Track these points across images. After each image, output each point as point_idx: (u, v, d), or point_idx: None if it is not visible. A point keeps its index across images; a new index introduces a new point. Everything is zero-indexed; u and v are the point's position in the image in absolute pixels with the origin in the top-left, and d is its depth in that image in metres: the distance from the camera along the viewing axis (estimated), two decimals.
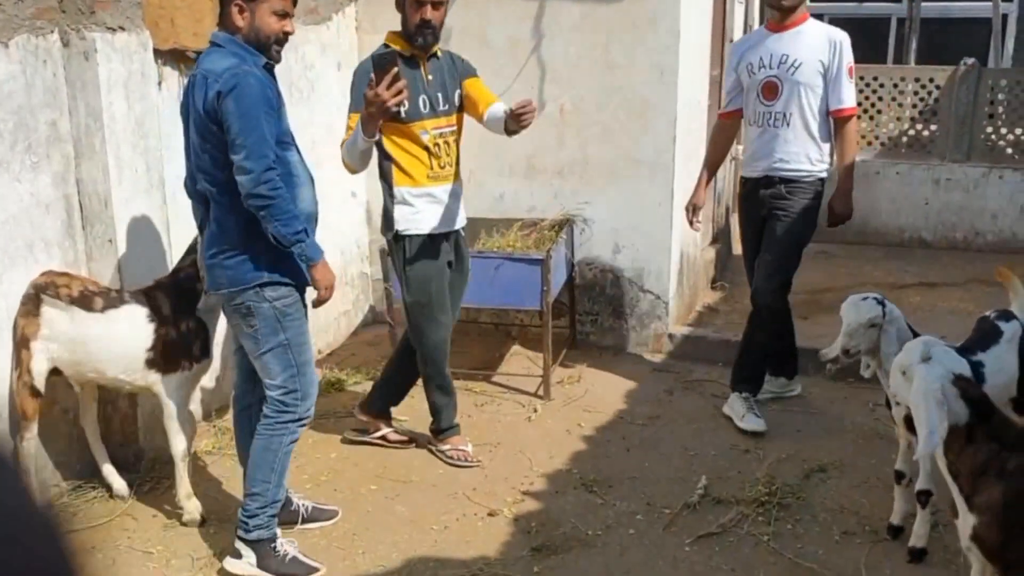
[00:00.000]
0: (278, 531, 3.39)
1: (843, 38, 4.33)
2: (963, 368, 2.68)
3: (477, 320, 5.74)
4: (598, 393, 4.95)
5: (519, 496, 3.88)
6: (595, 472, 4.05)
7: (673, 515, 3.73)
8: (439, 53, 3.93)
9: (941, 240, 7.41)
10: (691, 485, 3.93)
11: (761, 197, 4.43)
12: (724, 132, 4.70)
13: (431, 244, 3.95)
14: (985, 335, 3.47)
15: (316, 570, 3.34)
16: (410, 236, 3.93)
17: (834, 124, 4.38)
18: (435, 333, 4.06)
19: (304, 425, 3.35)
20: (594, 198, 5.30)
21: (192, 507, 3.65)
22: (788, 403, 4.80)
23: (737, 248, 7.38)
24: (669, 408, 4.65)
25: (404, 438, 4.35)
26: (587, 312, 5.56)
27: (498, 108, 3.85)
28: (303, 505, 3.67)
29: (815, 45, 4.28)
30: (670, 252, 5.33)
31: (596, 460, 4.20)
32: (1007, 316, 3.50)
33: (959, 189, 7.29)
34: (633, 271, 5.40)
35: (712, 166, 4.71)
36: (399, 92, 3.38)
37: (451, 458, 4.18)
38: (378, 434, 4.33)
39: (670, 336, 5.44)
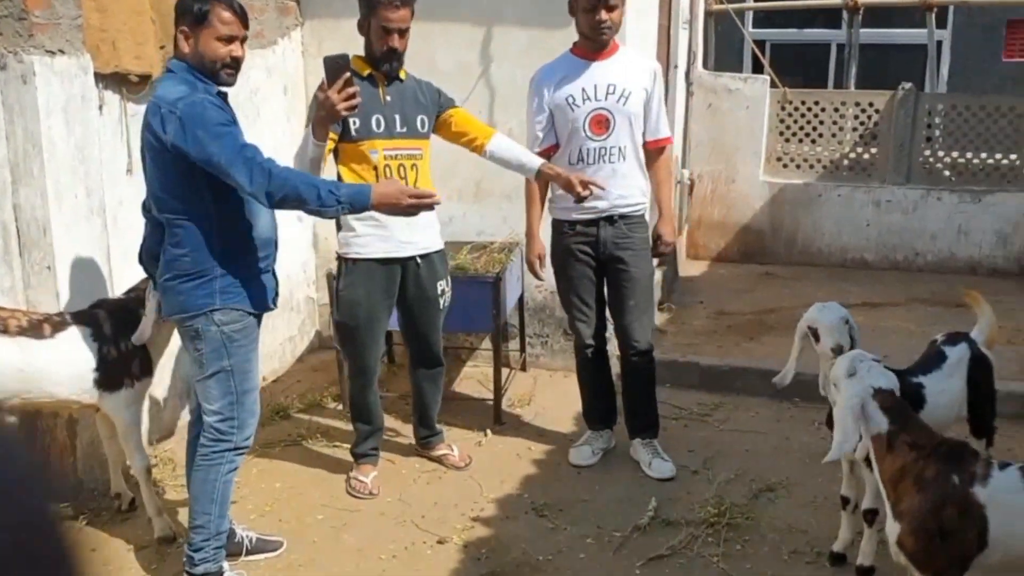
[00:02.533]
0: (225, 564, 3.32)
1: (658, 67, 4.21)
2: (888, 382, 2.76)
3: None
4: (549, 416, 4.94)
5: (469, 522, 3.85)
6: (546, 496, 4.04)
7: (624, 538, 3.72)
8: (404, 77, 3.93)
9: (882, 261, 7.56)
10: (641, 507, 3.93)
11: (602, 239, 4.12)
12: None
13: (371, 270, 3.91)
14: (929, 358, 3.54)
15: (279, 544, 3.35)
16: (348, 259, 3.90)
17: (649, 154, 4.18)
18: (359, 360, 4.05)
19: (242, 454, 3.29)
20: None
21: (162, 524, 3.63)
22: (736, 423, 4.84)
23: (685, 269, 7.47)
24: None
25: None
26: (538, 334, 5.56)
27: (506, 144, 3.92)
28: (247, 536, 3.59)
29: (638, 74, 4.06)
30: None
31: (547, 484, 4.19)
32: (954, 340, 3.56)
33: (899, 211, 7.45)
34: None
35: (539, 211, 4.27)
36: (351, 97, 3.34)
37: (350, 486, 4.14)
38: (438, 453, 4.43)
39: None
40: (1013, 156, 7.30)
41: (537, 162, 3.90)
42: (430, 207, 3.15)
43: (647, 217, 4.29)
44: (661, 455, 4.34)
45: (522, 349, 5.52)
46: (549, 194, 4.25)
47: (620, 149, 4.04)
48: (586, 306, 4.29)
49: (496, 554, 3.62)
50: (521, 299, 5.40)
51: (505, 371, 5.28)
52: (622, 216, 4.13)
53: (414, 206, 3.05)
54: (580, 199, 3.80)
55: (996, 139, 7.31)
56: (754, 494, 4.07)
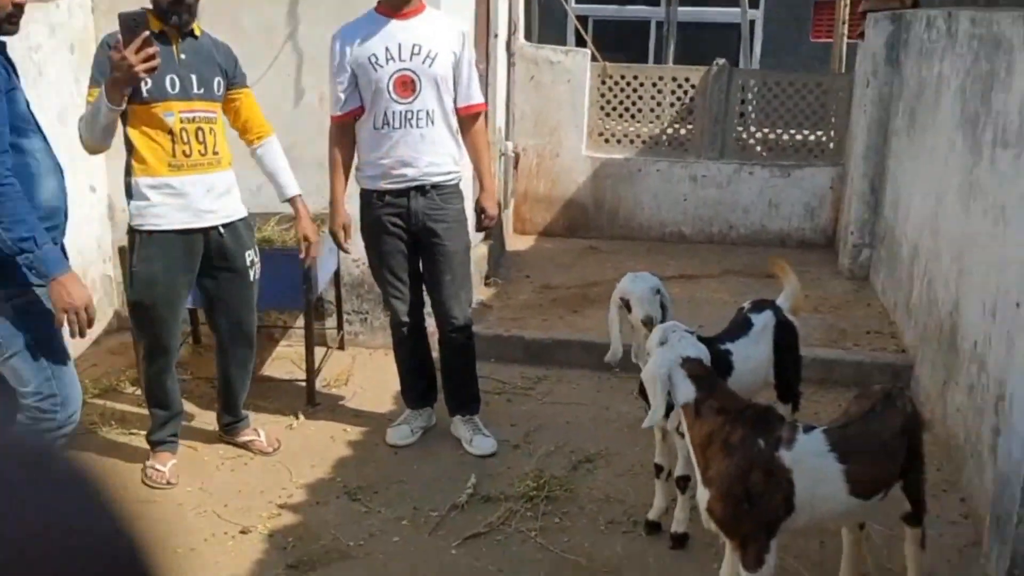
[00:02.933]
0: None
1: (467, 30, 4.04)
2: (697, 352, 2.76)
3: None
4: (368, 396, 4.74)
5: (275, 510, 3.61)
6: (360, 479, 3.84)
7: (440, 518, 3.59)
8: (198, 33, 3.61)
9: (699, 234, 7.72)
10: (460, 485, 3.81)
11: (413, 210, 3.93)
12: (347, 135, 3.97)
13: (169, 242, 3.60)
14: (736, 326, 3.59)
15: None
16: (142, 232, 3.57)
17: (463, 122, 3.99)
18: (157, 342, 3.74)
19: (66, 435, 2.98)
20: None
21: None
22: (558, 396, 4.79)
23: (512, 243, 7.40)
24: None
25: None
26: (356, 311, 5.33)
27: (273, 155, 3.90)
28: None
29: (446, 35, 3.85)
30: None
31: (362, 467, 4.00)
32: (760, 308, 3.62)
33: (714, 185, 7.63)
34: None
35: (343, 179, 4.05)
36: (150, 58, 3.03)
37: (146, 476, 3.82)
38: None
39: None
40: (820, 132, 7.61)
41: (292, 191, 3.91)
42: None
43: (462, 188, 4.14)
44: (482, 431, 4.23)
45: (339, 327, 5.28)
46: (355, 161, 4.03)
47: (428, 113, 3.83)
48: (399, 281, 4.09)
49: (303, 542, 3.41)
50: (337, 274, 5.15)
51: (322, 350, 5.04)
52: (434, 186, 3.93)
53: (67, 324, 2.81)
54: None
55: (804, 115, 7.59)
56: (573, 466, 4.03)
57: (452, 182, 4.02)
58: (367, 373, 5.02)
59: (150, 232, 3.58)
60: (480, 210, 4.14)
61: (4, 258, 2.73)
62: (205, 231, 3.67)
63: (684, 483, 3.35)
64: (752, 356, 3.48)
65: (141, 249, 3.61)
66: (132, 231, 3.64)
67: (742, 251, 7.37)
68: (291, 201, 3.96)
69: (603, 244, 7.54)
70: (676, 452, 3.40)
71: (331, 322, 5.29)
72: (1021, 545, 2.72)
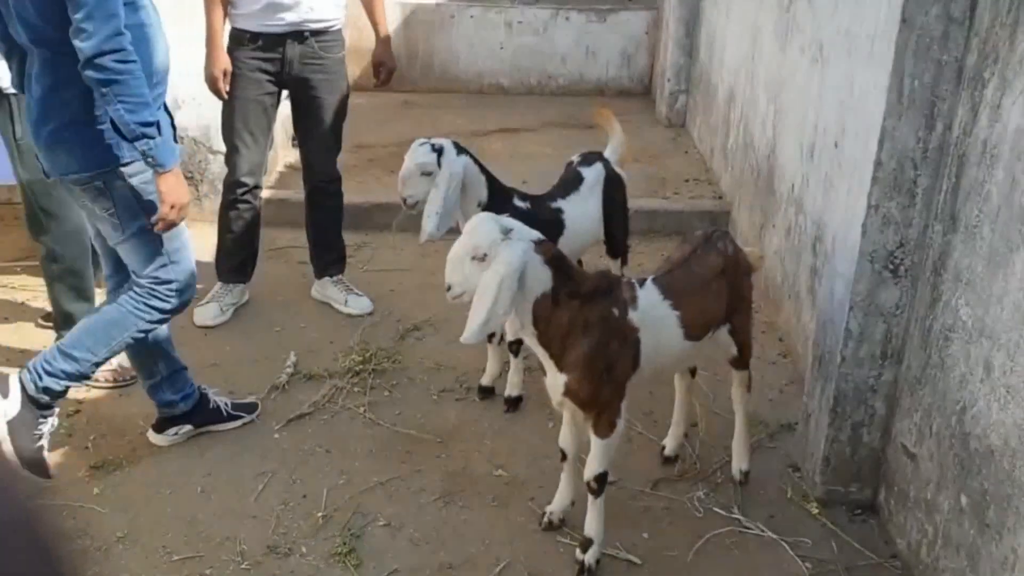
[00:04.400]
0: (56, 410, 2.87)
1: None
2: (536, 234, 2.42)
3: (11, 201, 4.77)
4: None
5: (71, 407, 3.26)
6: None
7: (260, 400, 3.34)
8: None
9: (518, 85, 7.50)
10: (279, 365, 3.56)
11: (287, 57, 3.69)
12: None
13: None
14: (567, 182, 3.42)
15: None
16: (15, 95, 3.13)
17: None
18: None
19: (167, 319, 2.89)
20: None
21: None
22: (380, 263, 4.56)
23: None
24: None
25: None
26: None
27: None
28: (222, 402, 3.19)
29: None
30: None
31: None
32: (589, 160, 3.46)
33: (530, 32, 7.36)
34: (198, 129, 4.75)
35: (220, 16, 3.69)
36: None
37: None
38: None
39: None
40: None
41: None
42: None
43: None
44: (355, 291, 4.08)
45: None
46: None
47: None
48: (250, 136, 3.82)
49: (107, 439, 3.10)
50: None
51: None
52: (313, 32, 3.68)
53: (170, 224, 2.70)
54: None
55: None
56: (400, 335, 3.85)
57: (333, 28, 3.74)
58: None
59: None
60: (378, 63, 3.94)
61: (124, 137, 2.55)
62: None
63: (516, 347, 3.24)
64: (584, 213, 3.35)
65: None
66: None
67: (561, 102, 7.21)
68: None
69: (418, 98, 7.19)
70: None
71: None
72: (844, 383, 2.78)
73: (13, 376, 2.78)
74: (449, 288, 2.40)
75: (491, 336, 3.36)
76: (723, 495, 2.94)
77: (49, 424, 2.82)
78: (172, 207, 2.63)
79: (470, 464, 3.07)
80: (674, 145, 6.25)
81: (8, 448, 2.69)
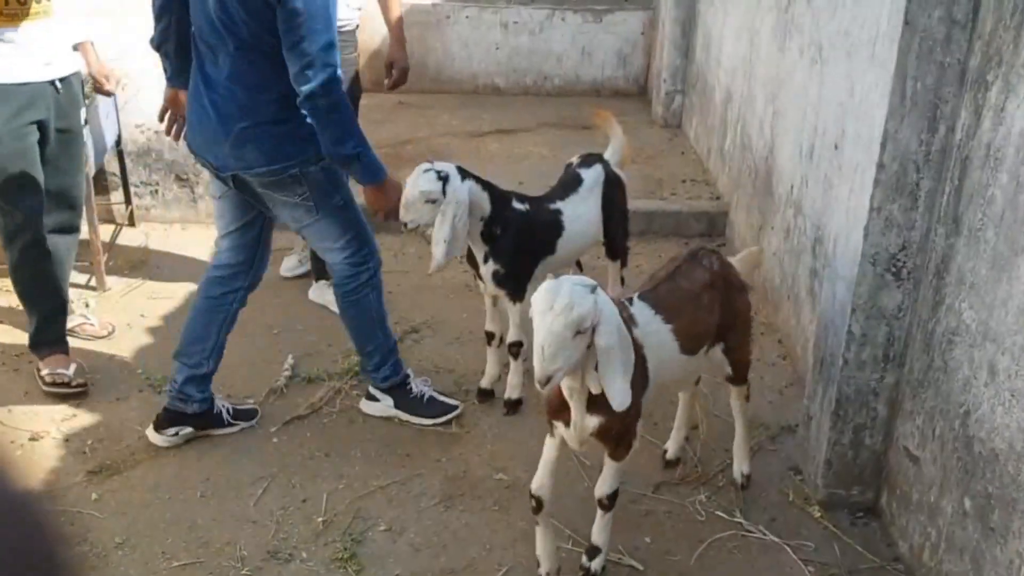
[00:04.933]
0: (409, 372, 3.28)
1: None
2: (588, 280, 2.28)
3: None
4: (165, 275, 4.31)
5: (70, 411, 3.24)
6: (163, 369, 3.47)
7: (258, 404, 3.33)
8: None
9: (513, 86, 7.47)
10: (277, 368, 3.54)
11: None
12: None
13: (3, 100, 3.11)
14: (566, 184, 3.41)
15: (454, 408, 3.26)
16: None
17: None
18: (14, 218, 3.26)
19: (377, 273, 3.11)
20: (136, 45, 4.47)
21: None
22: None
23: None
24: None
25: None
26: (145, 183, 4.80)
27: None
28: (224, 406, 3.20)
29: None
30: None
31: (163, 354, 3.60)
32: (589, 162, 3.45)
33: (526, 33, 7.34)
34: None
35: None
36: None
37: (46, 381, 3.35)
38: None
39: None
40: None
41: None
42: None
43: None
44: None
45: (127, 201, 4.75)
46: None
47: None
48: None
49: (104, 444, 3.08)
50: (119, 142, 4.59)
51: (110, 228, 4.54)
52: None
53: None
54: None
55: None
56: (399, 337, 3.81)
57: (346, 29, 3.63)
58: (162, 251, 4.57)
59: None
60: (390, 64, 3.95)
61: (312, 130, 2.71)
62: (47, 85, 3.23)
63: (516, 349, 3.23)
64: (583, 214, 3.33)
65: None
66: None
67: (557, 102, 7.19)
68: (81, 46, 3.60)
69: (413, 98, 7.15)
70: (507, 318, 3.26)
71: (117, 196, 4.75)
72: (846, 386, 2.77)
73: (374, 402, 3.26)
74: (549, 380, 2.16)
75: (491, 338, 3.35)
76: (724, 498, 2.94)
77: (416, 383, 3.29)
78: (378, 212, 2.91)
79: (470, 468, 3.06)
80: (670, 146, 6.24)
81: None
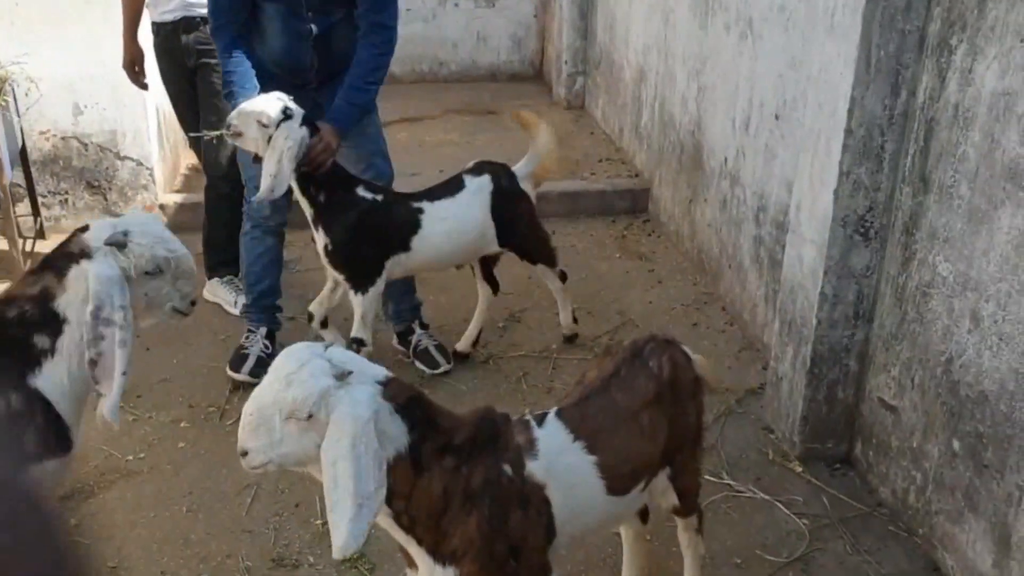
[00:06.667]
0: None
1: None
2: (373, 366, 1.74)
3: None
4: None
5: None
6: None
7: (221, 409, 3.21)
8: None
9: (409, 73, 7.41)
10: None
11: (185, 45, 3.74)
12: None
13: None
14: (445, 185, 3.33)
15: None
16: None
17: None
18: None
19: None
20: (36, 48, 4.22)
21: None
22: (310, 263, 4.43)
23: None
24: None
25: None
26: (53, 192, 4.55)
27: None
28: None
29: None
30: (146, 107, 4.51)
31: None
32: (479, 170, 3.35)
33: (419, 20, 7.29)
34: (104, 135, 4.50)
35: (134, 10, 3.82)
36: None
37: None
38: None
39: (162, 207, 4.69)
40: None
41: None
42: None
43: None
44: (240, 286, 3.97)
45: (35, 212, 4.48)
46: None
47: None
48: (183, 120, 3.98)
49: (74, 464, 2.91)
50: (23, 151, 4.32)
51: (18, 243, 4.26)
52: (204, 19, 3.52)
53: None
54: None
55: None
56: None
57: None
58: None
59: None
60: None
61: None
62: None
63: (356, 347, 3.14)
64: (451, 218, 3.21)
65: None
66: None
67: (456, 88, 7.19)
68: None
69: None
70: (333, 303, 3.37)
71: (23, 208, 4.47)
72: (820, 345, 2.90)
73: None
74: (245, 454, 1.66)
75: (311, 319, 3.42)
76: (709, 462, 3.02)
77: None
78: (325, 151, 3.02)
79: None
80: (577, 127, 6.32)
81: None
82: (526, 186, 3.42)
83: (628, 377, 2.06)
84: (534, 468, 1.84)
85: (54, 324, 1.97)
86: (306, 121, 2.97)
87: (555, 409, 2.01)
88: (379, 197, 3.16)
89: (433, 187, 3.35)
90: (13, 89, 4.15)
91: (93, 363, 1.93)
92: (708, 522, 2.75)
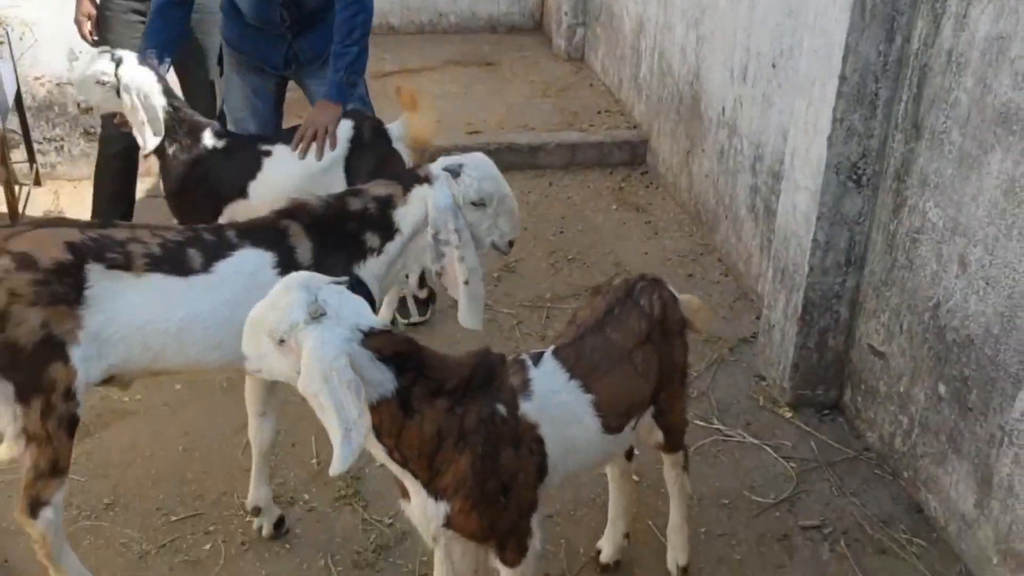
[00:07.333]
0: None
1: None
2: (366, 315, 1.74)
3: None
4: None
5: None
6: None
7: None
8: None
9: (408, 24, 7.34)
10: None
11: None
12: None
13: None
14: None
15: None
16: None
17: None
18: None
19: None
20: None
21: None
22: None
23: None
24: None
25: None
26: (48, 139, 4.54)
27: None
28: None
29: None
30: None
31: None
32: (344, 117, 3.10)
33: None
34: None
35: None
36: None
37: None
38: None
39: None
40: None
41: None
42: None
43: None
44: None
45: (31, 159, 4.48)
46: None
47: None
48: None
49: None
50: (19, 96, 4.31)
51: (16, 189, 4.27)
52: None
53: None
54: None
55: None
56: None
57: None
58: (76, 210, 4.34)
59: None
60: None
61: None
62: None
63: None
64: (303, 166, 2.98)
65: None
66: None
67: (455, 40, 7.12)
68: None
69: None
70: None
71: (19, 154, 4.47)
72: (811, 292, 2.91)
73: None
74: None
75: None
76: (700, 408, 3.06)
77: None
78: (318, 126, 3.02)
79: None
80: (577, 78, 6.28)
81: None
82: (399, 146, 3.18)
83: (621, 316, 2.10)
84: (528, 408, 1.88)
85: (388, 229, 2.29)
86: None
87: (551, 348, 2.04)
88: (220, 144, 3.00)
89: (294, 127, 3.11)
90: (8, 34, 4.13)
91: (438, 274, 2.30)
92: (697, 465, 2.80)
